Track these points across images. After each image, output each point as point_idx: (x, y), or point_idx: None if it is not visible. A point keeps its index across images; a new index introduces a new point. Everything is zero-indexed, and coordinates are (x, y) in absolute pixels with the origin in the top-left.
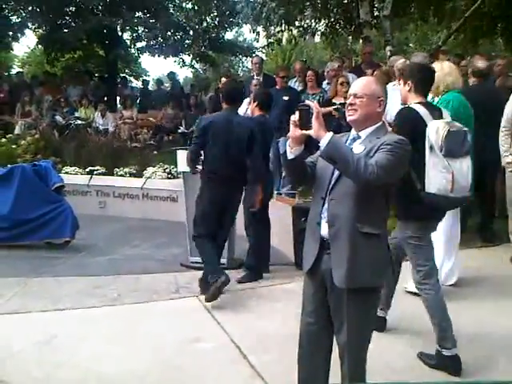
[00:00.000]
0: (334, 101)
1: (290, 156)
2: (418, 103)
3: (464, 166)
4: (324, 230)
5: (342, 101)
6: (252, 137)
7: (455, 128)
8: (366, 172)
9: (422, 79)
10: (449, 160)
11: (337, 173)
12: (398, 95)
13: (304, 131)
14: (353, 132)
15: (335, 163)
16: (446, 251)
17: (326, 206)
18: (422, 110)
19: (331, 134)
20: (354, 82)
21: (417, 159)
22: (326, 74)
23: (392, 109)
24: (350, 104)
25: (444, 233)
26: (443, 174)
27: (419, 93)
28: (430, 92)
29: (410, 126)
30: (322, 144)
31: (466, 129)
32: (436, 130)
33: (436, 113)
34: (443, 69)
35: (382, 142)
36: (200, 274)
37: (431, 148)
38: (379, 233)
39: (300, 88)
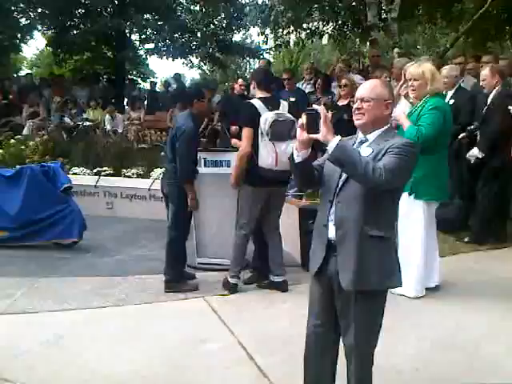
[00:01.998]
0: (338, 103)
1: (297, 159)
2: (259, 98)
3: (289, 148)
4: (331, 233)
5: (345, 102)
6: (175, 134)
7: (282, 118)
8: (375, 175)
9: (261, 79)
10: (275, 143)
11: (344, 176)
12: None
13: (311, 135)
14: (360, 135)
15: (343, 167)
16: (423, 257)
17: (333, 208)
18: (259, 104)
19: (339, 137)
20: (360, 86)
21: (256, 141)
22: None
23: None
24: (357, 108)
25: (422, 240)
26: (270, 154)
27: (261, 89)
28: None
29: (248, 115)
30: (330, 148)
31: (293, 119)
32: (264, 121)
33: (274, 105)
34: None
35: (390, 144)
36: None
37: (262, 134)
38: (387, 236)
39: (308, 90)
